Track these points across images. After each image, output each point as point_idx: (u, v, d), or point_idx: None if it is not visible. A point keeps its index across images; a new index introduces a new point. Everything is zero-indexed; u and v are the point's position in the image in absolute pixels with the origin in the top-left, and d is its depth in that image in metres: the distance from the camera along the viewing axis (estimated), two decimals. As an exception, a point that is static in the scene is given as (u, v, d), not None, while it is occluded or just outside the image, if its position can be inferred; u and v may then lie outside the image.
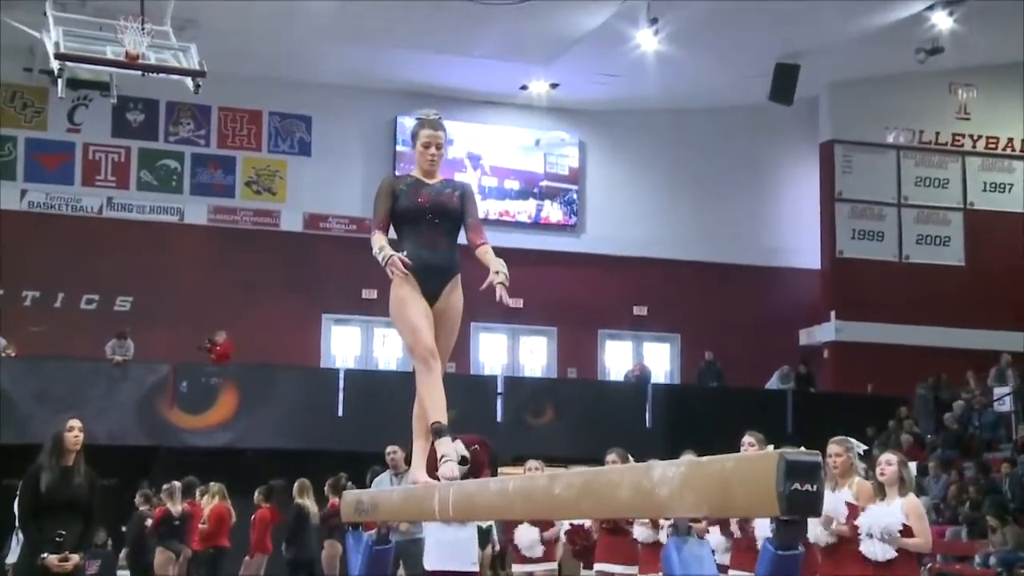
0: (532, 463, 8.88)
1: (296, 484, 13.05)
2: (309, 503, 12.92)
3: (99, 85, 15.15)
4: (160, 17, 13.50)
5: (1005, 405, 18.36)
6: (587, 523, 8.69)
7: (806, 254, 22.41)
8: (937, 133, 22.65)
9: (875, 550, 6.31)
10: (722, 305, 21.77)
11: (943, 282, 21.86)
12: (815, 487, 2.57)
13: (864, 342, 21.27)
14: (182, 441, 17.45)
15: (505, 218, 21.77)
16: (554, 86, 21.27)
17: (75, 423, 6.48)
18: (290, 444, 17.22)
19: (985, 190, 22.83)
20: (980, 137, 22.83)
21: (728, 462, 2.77)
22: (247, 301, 19.93)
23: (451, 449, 4.64)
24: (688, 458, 3.37)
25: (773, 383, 20.90)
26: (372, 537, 6.38)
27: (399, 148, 20.86)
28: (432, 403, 4.74)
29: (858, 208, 22.30)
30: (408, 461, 6.65)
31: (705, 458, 2.89)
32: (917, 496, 6.85)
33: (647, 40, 18.57)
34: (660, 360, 22.37)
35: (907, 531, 6.31)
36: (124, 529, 14.76)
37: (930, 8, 18.69)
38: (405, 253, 4.76)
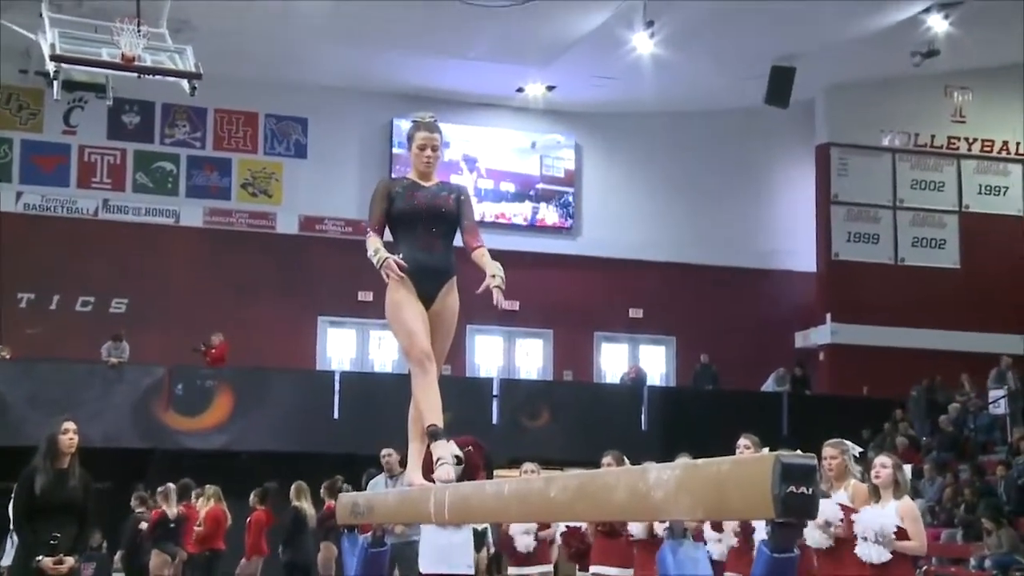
0: (528, 466, 8.87)
1: (293, 487, 13.03)
2: (306, 506, 12.90)
3: (95, 87, 15.10)
4: (156, 19, 13.51)
5: (1000, 408, 18.37)
6: (583, 525, 8.67)
7: (802, 257, 22.43)
8: (933, 136, 22.69)
9: (870, 553, 6.31)
10: (718, 308, 21.77)
11: (938, 285, 21.89)
12: (810, 490, 2.57)
13: (860, 345, 21.31)
14: (177, 443, 17.42)
15: (501, 221, 21.76)
16: (550, 88, 21.26)
17: (70, 425, 6.45)
18: (285, 446, 17.19)
19: (980, 193, 22.88)
20: (975, 140, 22.86)
21: (724, 465, 2.76)
22: (242, 303, 19.90)
23: (447, 452, 4.62)
24: (684, 461, 3.37)
25: (769, 385, 20.91)
26: (368, 540, 6.38)
27: (395, 150, 20.85)
28: (428, 406, 4.73)
29: (854, 211, 22.33)
30: (403, 464, 6.63)
31: (701, 461, 2.88)
32: (912, 499, 6.84)
33: (643, 43, 18.56)
34: (656, 362, 22.36)
35: (902, 534, 6.31)
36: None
37: (926, 11, 18.73)
38: (401, 256, 4.75)
